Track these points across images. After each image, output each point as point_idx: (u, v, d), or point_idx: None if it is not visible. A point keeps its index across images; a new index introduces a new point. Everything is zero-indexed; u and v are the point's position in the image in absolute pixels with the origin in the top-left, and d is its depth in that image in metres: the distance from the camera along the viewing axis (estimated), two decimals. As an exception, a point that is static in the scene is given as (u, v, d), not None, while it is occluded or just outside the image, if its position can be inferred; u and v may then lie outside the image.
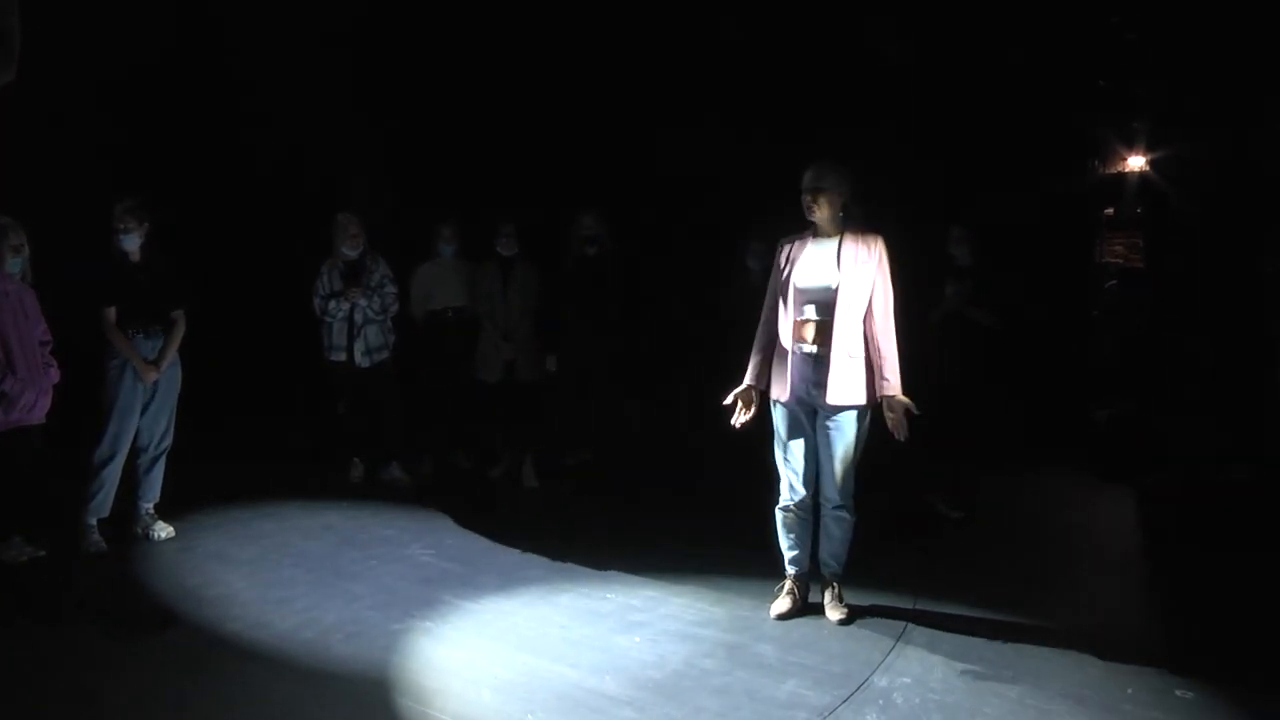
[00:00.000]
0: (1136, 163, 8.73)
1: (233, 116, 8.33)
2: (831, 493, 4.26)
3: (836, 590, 4.39)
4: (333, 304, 6.52)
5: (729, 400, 4.37)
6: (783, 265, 4.34)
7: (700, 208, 8.50)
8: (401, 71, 8.96)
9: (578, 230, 6.79)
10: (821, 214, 4.26)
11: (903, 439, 4.09)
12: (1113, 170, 8.91)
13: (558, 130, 8.95)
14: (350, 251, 6.57)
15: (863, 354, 4.14)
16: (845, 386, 4.12)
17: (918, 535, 5.79)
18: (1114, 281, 8.86)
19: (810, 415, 4.27)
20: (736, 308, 6.82)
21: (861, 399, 4.14)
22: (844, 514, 4.30)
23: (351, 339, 6.56)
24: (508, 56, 8.97)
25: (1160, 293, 8.25)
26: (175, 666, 3.77)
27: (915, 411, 4.09)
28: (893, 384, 4.10)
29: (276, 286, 7.90)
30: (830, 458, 4.22)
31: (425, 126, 9.16)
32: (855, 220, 4.28)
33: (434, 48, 9.09)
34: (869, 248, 4.18)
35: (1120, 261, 8.95)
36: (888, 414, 4.12)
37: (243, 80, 8.22)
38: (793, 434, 4.32)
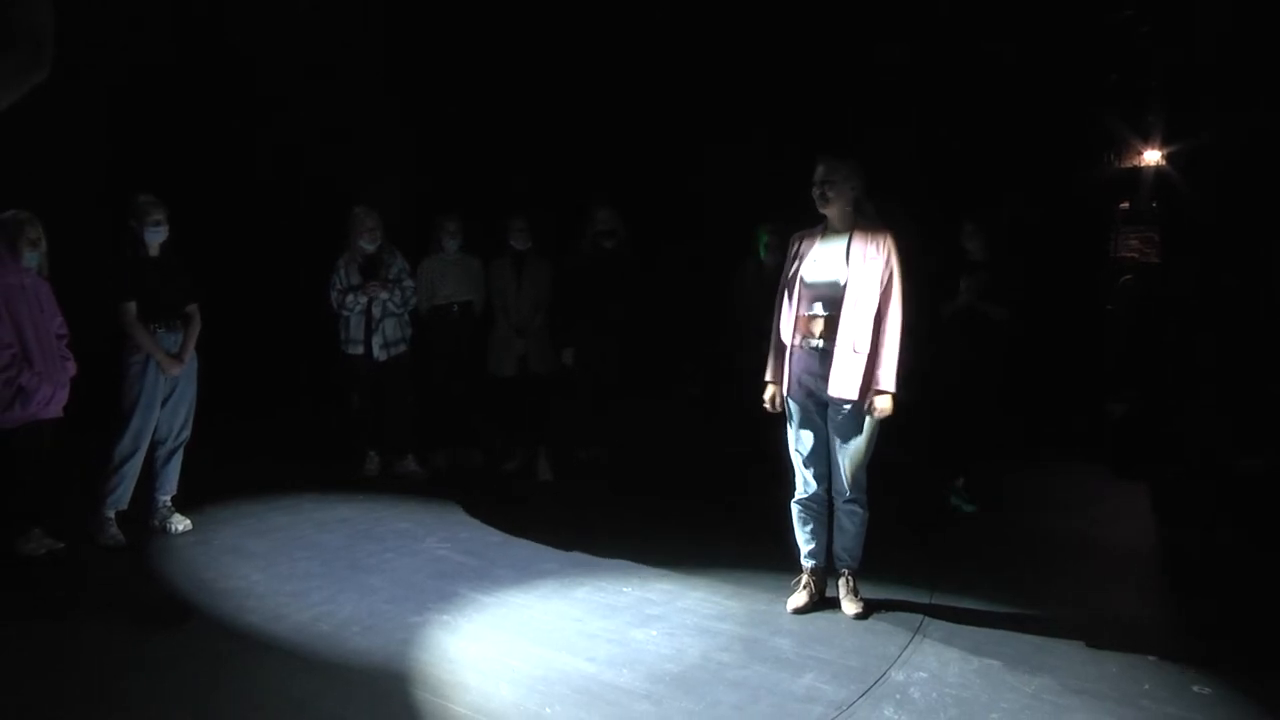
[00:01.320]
0: (1152, 157, 8.69)
1: (247, 114, 8.34)
2: (842, 486, 4.27)
3: (852, 584, 4.39)
4: (350, 298, 6.54)
5: (766, 404, 4.40)
6: (793, 260, 4.35)
7: (715, 203, 8.50)
8: (417, 68, 8.97)
9: (593, 224, 6.80)
10: (832, 208, 4.26)
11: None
12: (1128, 164, 8.87)
13: (572, 125, 8.95)
14: (368, 245, 6.58)
15: (869, 349, 4.13)
16: (848, 380, 4.11)
17: (933, 530, 5.79)
18: (1128, 276, 8.82)
19: (821, 409, 4.27)
20: (751, 302, 6.86)
21: (866, 391, 4.12)
22: (855, 508, 4.31)
23: (370, 333, 6.58)
24: (522, 52, 8.97)
25: (1175, 287, 8.21)
26: (193, 660, 3.79)
27: (888, 413, 4.12)
28: (884, 383, 4.09)
29: (291, 281, 7.92)
30: (840, 451, 4.23)
31: (441, 122, 9.17)
32: (867, 215, 4.26)
33: (449, 43, 9.10)
34: (878, 244, 4.16)
35: (1135, 256, 8.89)
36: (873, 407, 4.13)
37: (256, 78, 8.23)
38: (804, 428, 4.32)
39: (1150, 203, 8.79)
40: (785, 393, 4.34)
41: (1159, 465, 7.07)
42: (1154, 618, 4.53)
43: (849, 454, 4.20)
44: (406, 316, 6.74)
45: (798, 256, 4.34)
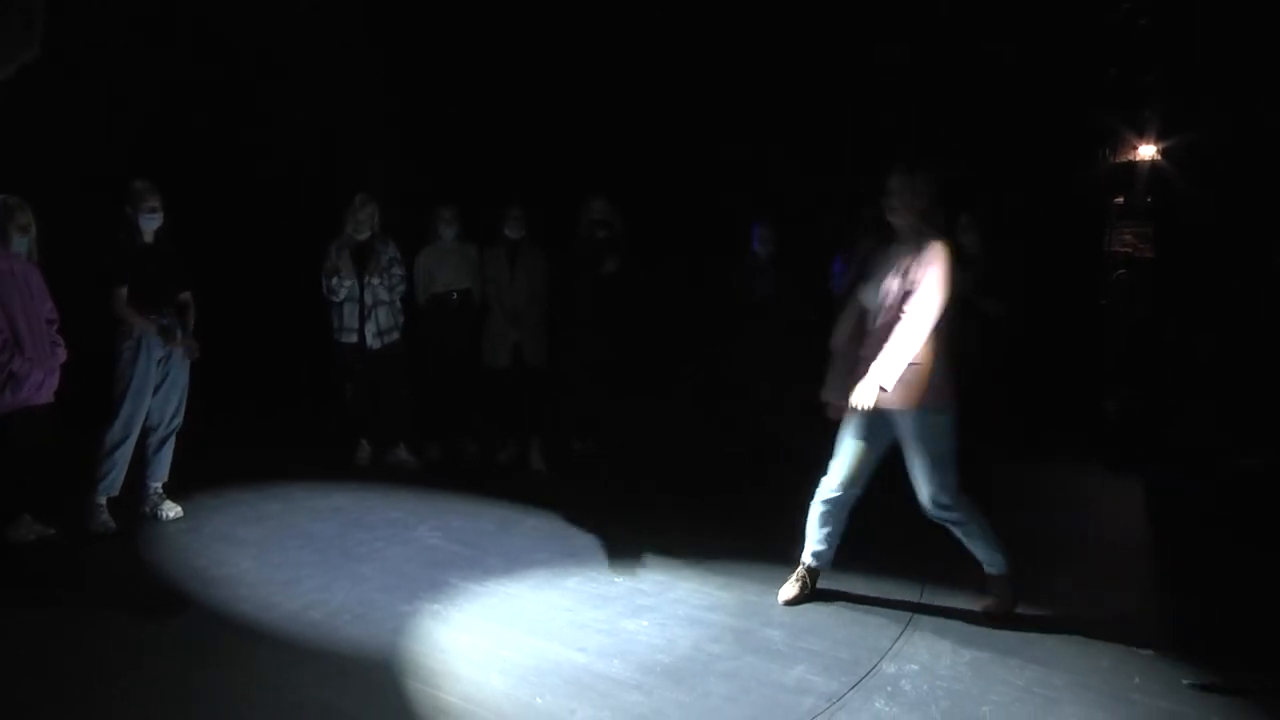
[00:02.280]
0: (1147, 152, 8.67)
1: (242, 105, 8.29)
2: (924, 499, 4.18)
3: (998, 588, 4.26)
4: (335, 280, 6.51)
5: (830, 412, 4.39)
6: (865, 273, 4.34)
7: (712, 199, 8.49)
8: (414, 59, 8.93)
9: (588, 213, 6.78)
10: (897, 220, 4.20)
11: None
12: (1123, 159, 8.86)
13: (567, 116, 8.94)
14: (358, 234, 6.55)
15: (921, 359, 4.02)
16: (897, 389, 4.01)
17: (926, 523, 5.76)
18: (1123, 271, 8.82)
19: (881, 419, 4.17)
20: (742, 295, 6.87)
21: (921, 401, 4.04)
22: (951, 526, 4.22)
23: (363, 321, 6.56)
24: (521, 48, 8.94)
25: (1169, 283, 8.22)
26: (184, 649, 3.78)
27: (865, 402, 4.03)
28: (874, 373, 3.97)
29: (289, 274, 7.89)
30: (911, 462, 4.16)
31: (440, 120, 9.12)
32: (933, 227, 4.15)
33: (447, 36, 9.06)
34: (923, 254, 4.06)
35: (1129, 251, 8.88)
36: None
37: (257, 76, 8.18)
38: (853, 429, 4.26)
39: (1145, 198, 8.78)
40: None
41: (1154, 461, 7.07)
42: (1147, 613, 4.54)
43: (918, 464, 4.13)
44: (399, 304, 6.71)
45: (867, 270, 4.31)
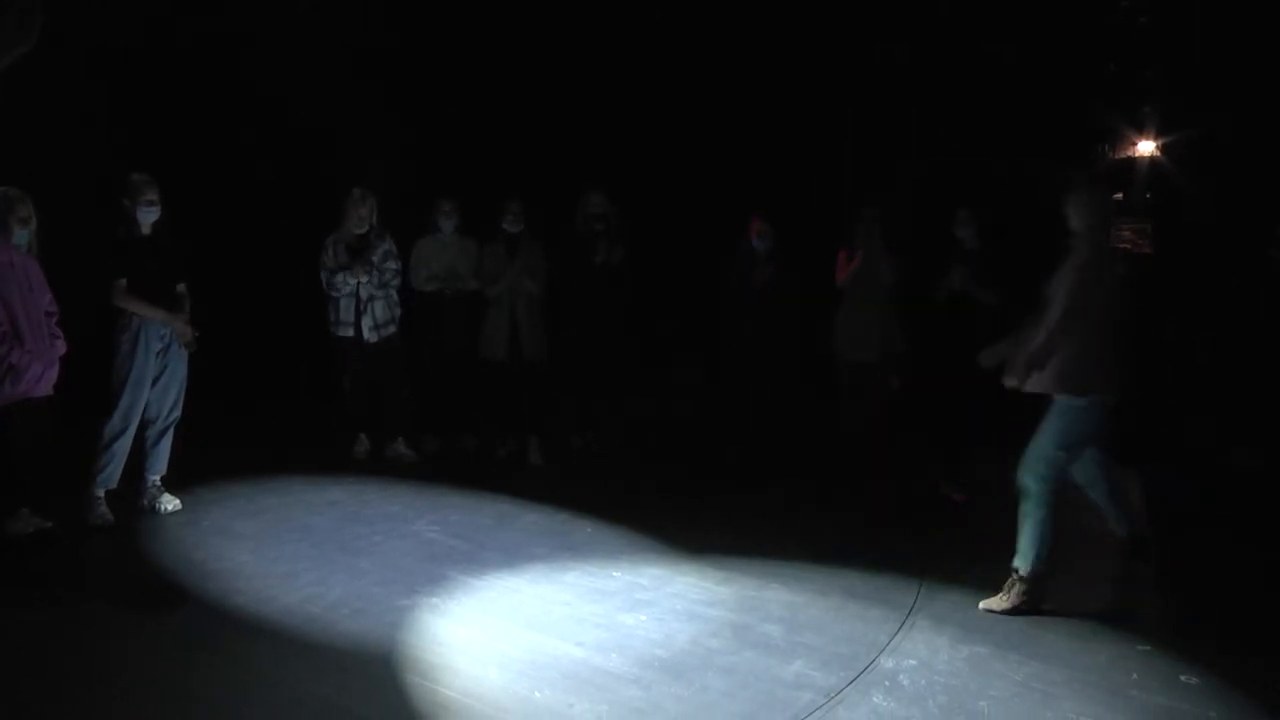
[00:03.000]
0: (1146, 148, 8.69)
1: (239, 99, 8.28)
2: (1023, 460, 4.33)
3: (1011, 582, 4.29)
4: (339, 278, 6.51)
5: None
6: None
7: (707, 190, 8.49)
8: (414, 58, 8.93)
9: (585, 206, 6.78)
10: (1071, 226, 4.47)
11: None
12: (1122, 156, 8.88)
13: (567, 112, 8.94)
14: (356, 228, 6.54)
15: (1061, 348, 4.26)
16: (1038, 376, 4.30)
17: (924, 518, 5.78)
18: (1120, 267, 8.83)
19: None
20: (741, 289, 6.85)
21: (1055, 385, 4.26)
22: (1022, 496, 4.31)
23: (359, 314, 6.55)
24: (518, 39, 8.93)
25: (1168, 280, 8.22)
26: (183, 645, 3.78)
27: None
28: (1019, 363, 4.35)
29: (282, 266, 7.88)
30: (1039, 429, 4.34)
31: (437, 112, 9.12)
32: (1090, 243, 4.40)
33: (446, 35, 9.06)
34: (1071, 264, 4.35)
35: (1128, 247, 8.90)
36: None
37: (259, 75, 8.18)
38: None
39: (1144, 194, 8.80)
40: None
41: (1156, 462, 7.06)
42: (1144, 609, 4.55)
43: (1036, 440, 4.33)
44: (396, 297, 6.71)
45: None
